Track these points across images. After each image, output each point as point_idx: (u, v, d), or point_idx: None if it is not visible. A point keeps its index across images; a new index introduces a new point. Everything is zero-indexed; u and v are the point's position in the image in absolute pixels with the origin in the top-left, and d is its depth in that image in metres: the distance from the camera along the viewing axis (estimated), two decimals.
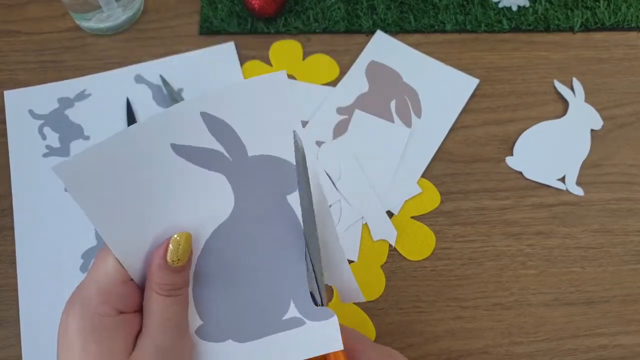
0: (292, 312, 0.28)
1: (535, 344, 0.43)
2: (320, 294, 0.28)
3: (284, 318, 0.28)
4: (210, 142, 0.27)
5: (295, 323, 0.28)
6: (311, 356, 0.27)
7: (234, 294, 0.28)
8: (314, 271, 0.28)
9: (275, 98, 0.27)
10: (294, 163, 0.28)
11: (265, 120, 0.28)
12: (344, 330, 0.29)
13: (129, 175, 0.26)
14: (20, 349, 0.43)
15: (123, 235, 0.26)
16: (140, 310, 0.26)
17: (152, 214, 0.27)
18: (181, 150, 0.27)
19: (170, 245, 0.26)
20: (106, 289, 0.25)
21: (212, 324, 0.28)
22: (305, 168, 0.27)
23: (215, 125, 0.27)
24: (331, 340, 0.27)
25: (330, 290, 0.45)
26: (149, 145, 0.26)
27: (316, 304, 0.28)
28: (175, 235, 0.26)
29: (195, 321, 0.28)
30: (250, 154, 0.28)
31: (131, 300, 0.26)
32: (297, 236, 0.28)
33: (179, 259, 0.26)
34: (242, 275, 0.28)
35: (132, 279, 0.26)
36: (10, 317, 0.44)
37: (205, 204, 0.28)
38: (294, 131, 0.27)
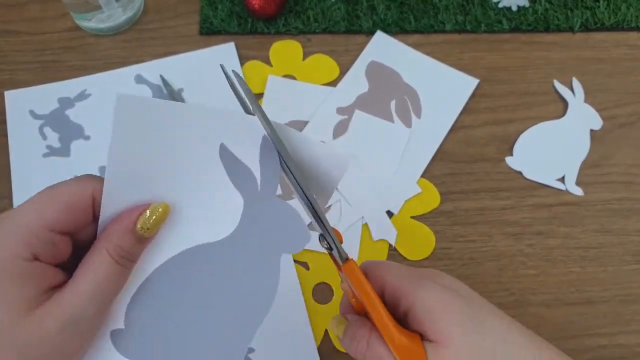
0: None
1: None
2: (329, 233, 0.27)
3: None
4: (253, 165, 0.26)
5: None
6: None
7: (180, 326, 0.26)
8: (316, 212, 0.26)
9: (335, 170, 0.28)
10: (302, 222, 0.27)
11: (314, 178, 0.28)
12: (371, 265, 0.28)
13: (169, 142, 0.25)
14: None
15: (123, 186, 0.24)
16: (57, 265, 0.24)
17: (160, 185, 0.25)
18: (225, 154, 0.26)
19: (147, 211, 0.24)
20: (31, 230, 0.22)
21: (133, 335, 0.26)
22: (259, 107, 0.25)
23: (266, 155, 0.26)
24: None
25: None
26: (203, 129, 0.25)
27: (331, 248, 0.27)
28: (157, 204, 0.24)
29: (117, 320, 0.26)
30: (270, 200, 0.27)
31: (52, 251, 0.23)
32: (268, 294, 0.28)
33: (148, 228, 0.24)
34: (201, 306, 0.26)
35: (61, 232, 0.24)
36: None
37: (208, 214, 0.26)
38: (233, 71, 0.26)
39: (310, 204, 0.26)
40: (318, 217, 0.26)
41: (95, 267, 0.23)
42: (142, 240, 0.24)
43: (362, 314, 0.30)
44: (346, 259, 0.27)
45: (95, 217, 0.25)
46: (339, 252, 0.27)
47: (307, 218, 0.27)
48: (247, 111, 0.28)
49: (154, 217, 0.24)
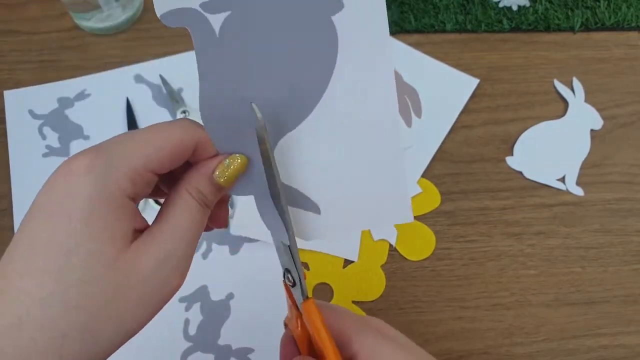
0: None
1: (535, 345, 0.43)
2: (297, 269, 0.27)
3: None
4: None
5: None
6: None
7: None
8: (289, 247, 0.27)
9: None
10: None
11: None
12: (320, 305, 0.27)
13: None
14: None
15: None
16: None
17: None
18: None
19: (226, 160, 0.25)
20: (136, 169, 0.22)
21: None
22: (269, 149, 0.25)
23: None
24: None
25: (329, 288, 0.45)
26: None
27: (294, 284, 0.27)
28: (236, 155, 0.25)
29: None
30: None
31: (145, 192, 0.23)
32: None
33: (225, 178, 0.24)
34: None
35: (157, 173, 0.23)
36: None
37: None
38: (252, 104, 0.25)
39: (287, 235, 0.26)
40: (290, 250, 0.26)
41: (182, 207, 0.23)
42: (218, 188, 0.25)
43: (306, 351, 0.29)
44: (307, 297, 0.27)
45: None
46: (302, 289, 0.27)
47: (279, 249, 0.27)
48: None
49: (231, 167, 0.25)
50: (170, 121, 0.24)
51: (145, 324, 0.23)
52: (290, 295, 0.28)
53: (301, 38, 0.25)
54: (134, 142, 0.23)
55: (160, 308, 0.23)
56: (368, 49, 0.26)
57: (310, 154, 0.27)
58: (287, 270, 0.27)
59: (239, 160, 0.25)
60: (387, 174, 0.28)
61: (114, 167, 0.21)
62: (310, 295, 0.27)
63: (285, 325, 0.30)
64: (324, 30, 0.25)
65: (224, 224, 0.28)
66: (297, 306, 0.28)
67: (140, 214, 0.23)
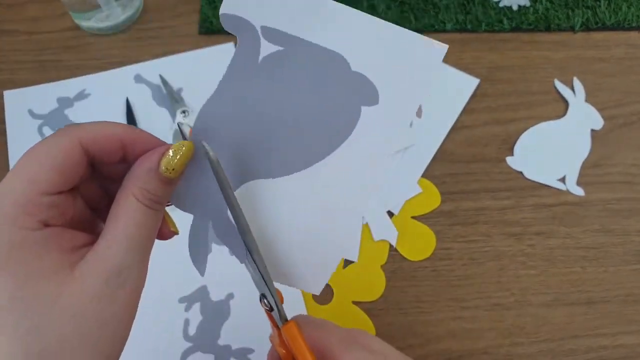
0: None
1: (535, 345, 0.43)
2: (272, 294, 0.26)
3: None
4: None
5: None
6: None
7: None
8: (260, 274, 0.26)
9: None
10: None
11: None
12: (304, 322, 0.27)
13: None
14: None
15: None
16: (68, 225, 0.22)
17: None
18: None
19: (170, 150, 0.23)
20: (27, 199, 0.20)
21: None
22: (225, 177, 0.24)
23: None
24: None
25: (325, 295, 0.45)
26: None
27: (272, 309, 0.27)
28: (180, 142, 0.23)
29: None
30: None
31: (60, 212, 0.21)
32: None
33: (174, 169, 0.22)
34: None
35: (61, 192, 0.21)
36: None
37: None
38: (203, 143, 0.24)
39: (255, 262, 0.26)
40: (262, 275, 0.26)
41: (127, 214, 0.22)
42: (168, 182, 0.23)
43: None
44: (286, 320, 0.27)
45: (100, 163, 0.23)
46: (279, 313, 0.27)
47: (253, 275, 0.27)
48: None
49: (178, 156, 0.23)
50: (51, 135, 0.22)
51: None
52: (269, 316, 0.28)
53: (327, 105, 0.26)
54: (16, 175, 0.21)
55: (121, 342, 0.22)
56: (381, 144, 0.26)
57: (275, 206, 0.27)
58: (263, 295, 0.27)
59: (185, 148, 0.23)
60: (344, 242, 0.28)
61: (2, 209, 0.20)
62: (288, 318, 0.27)
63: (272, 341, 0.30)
64: (350, 112, 0.26)
65: (168, 235, 0.26)
66: (277, 326, 0.27)
67: (72, 232, 0.22)
